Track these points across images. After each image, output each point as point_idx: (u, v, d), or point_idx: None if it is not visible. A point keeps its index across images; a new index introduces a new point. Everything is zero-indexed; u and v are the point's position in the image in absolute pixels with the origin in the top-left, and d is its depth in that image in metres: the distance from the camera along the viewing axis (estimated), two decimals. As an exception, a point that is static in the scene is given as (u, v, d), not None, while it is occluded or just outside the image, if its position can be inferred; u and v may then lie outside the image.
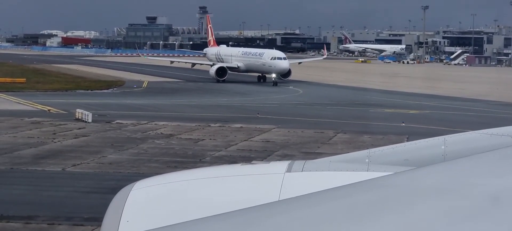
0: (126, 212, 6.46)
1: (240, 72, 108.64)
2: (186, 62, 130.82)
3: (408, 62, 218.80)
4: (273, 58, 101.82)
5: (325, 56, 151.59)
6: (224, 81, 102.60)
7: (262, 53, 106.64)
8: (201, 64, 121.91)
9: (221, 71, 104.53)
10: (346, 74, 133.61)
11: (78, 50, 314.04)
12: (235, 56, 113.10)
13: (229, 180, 6.80)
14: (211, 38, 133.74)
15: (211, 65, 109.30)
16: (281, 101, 76.35)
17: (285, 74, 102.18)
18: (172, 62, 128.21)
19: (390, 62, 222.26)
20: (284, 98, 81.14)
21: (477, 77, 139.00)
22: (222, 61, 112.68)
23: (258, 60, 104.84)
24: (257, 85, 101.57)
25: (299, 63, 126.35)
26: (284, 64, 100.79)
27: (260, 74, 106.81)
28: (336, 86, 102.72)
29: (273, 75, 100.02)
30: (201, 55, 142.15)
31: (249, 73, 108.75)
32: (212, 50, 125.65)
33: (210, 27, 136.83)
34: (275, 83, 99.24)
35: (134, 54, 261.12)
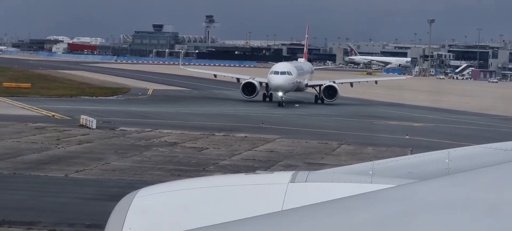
0: (129, 220, 6.45)
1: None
2: (232, 77, 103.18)
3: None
4: (271, 73, 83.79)
5: (414, 75, 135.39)
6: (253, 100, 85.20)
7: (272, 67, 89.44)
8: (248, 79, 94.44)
9: (250, 88, 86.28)
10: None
11: (59, 54, 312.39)
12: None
13: (232, 189, 6.79)
14: (305, 50, 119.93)
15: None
16: (286, 112, 76.29)
17: (330, 95, 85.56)
18: (216, 75, 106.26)
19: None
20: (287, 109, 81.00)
21: (482, 91, 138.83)
22: None
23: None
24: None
25: (376, 82, 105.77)
26: (278, 80, 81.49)
27: (317, 93, 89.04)
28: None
29: (279, 93, 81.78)
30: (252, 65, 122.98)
31: (309, 91, 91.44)
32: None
33: (307, 37, 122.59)
34: (280, 104, 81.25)
35: (140, 61, 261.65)
